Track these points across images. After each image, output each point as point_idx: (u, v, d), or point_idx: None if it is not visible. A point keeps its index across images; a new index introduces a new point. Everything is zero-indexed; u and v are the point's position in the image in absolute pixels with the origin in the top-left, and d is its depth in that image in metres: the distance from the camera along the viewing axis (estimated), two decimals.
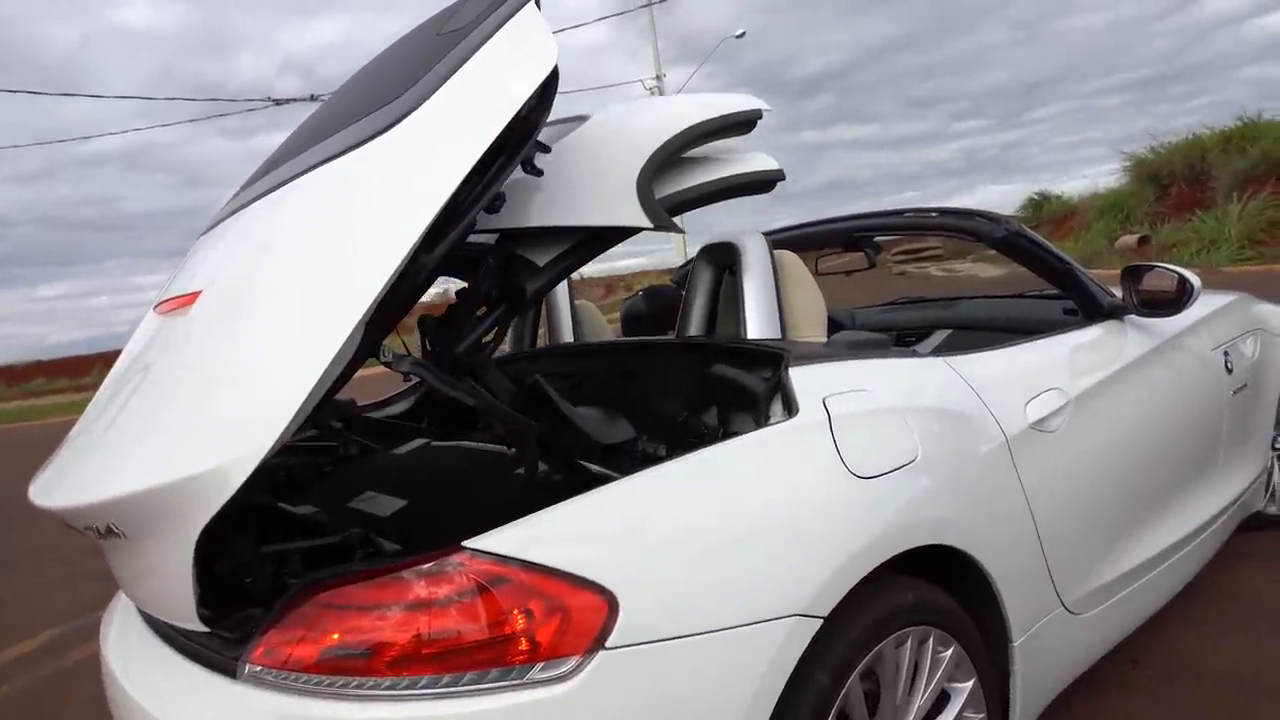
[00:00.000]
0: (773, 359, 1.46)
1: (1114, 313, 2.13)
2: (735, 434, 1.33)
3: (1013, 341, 1.93)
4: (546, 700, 0.98)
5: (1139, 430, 1.97)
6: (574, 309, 2.25)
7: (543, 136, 1.36)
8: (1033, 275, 2.23)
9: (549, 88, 1.26)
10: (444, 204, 1.10)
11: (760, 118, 1.59)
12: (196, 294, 1.28)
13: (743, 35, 22.86)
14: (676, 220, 1.55)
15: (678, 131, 1.44)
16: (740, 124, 1.57)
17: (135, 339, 1.50)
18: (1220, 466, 2.34)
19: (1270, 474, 2.82)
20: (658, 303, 2.40)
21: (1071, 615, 1.71)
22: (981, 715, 1.45)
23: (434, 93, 1.19)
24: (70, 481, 1.23)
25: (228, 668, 1.13)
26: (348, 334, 1.04)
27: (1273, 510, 2.82)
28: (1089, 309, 2.15)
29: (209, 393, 1.14)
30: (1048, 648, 1.63)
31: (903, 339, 2.53)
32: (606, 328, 2.35)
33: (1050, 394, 1.73)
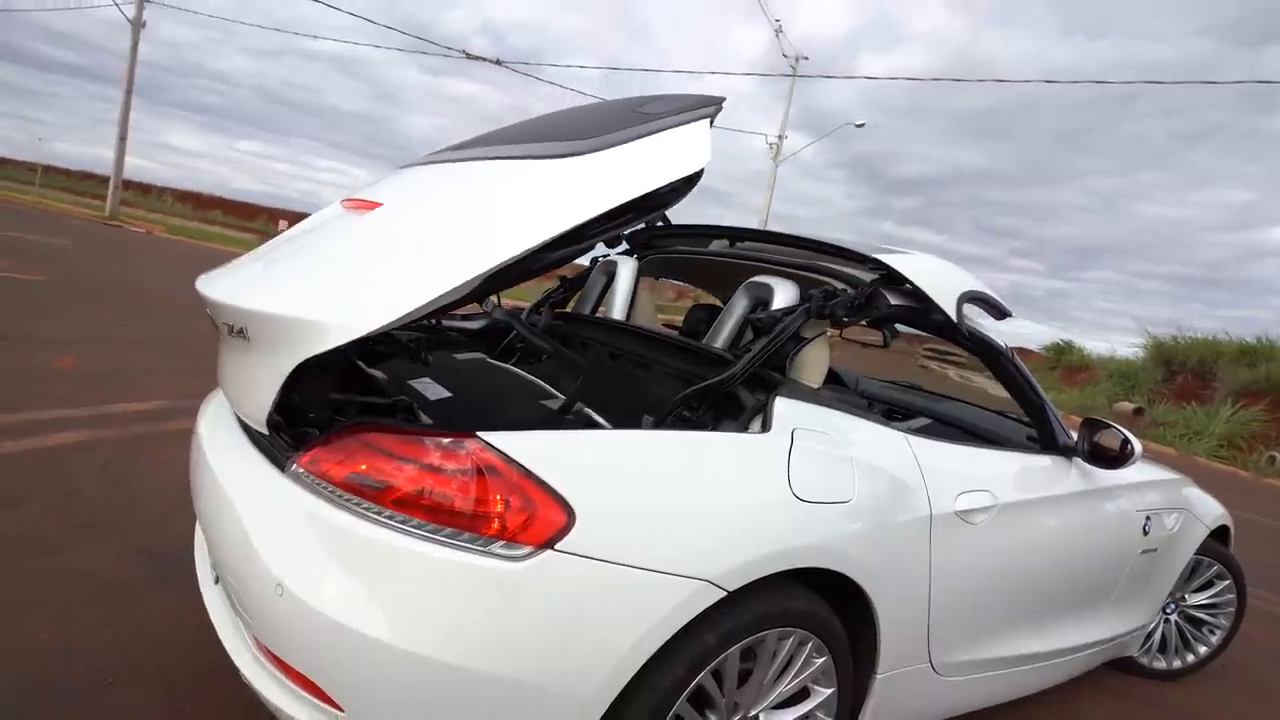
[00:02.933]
0: (767, 385, 1.51)
1: (1065, 451, 2.11)
2: (718, 430, 1.40)
3: (975, 445, 1.95)
4: (496, 569, 1.07)
5: (1048, 550, 1.96)
6: (635, 295, 2.31)
7: None
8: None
9: (691, 181, 1.39)
10: (573, 227, 1.25)
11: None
12: (378, 204, 1.45)
13: (862, 125, 22.43)
14: None
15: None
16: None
17: (320, 214, 1.69)
18: (1107, 608, 2.30)
19: (1156, 631, 2.77)
20: (706, 314, 2.45)
21: (935, 674, 1.72)
22: (832, 718, 1.50)
23: (606, 149, 1.34)
24: (231, 285, 1.38)
25: (280, 463, 1.24)
26: (468, 279, 1.18)
27: (1146, 662, 2.75)
28: (1046, 441, 2.13)
29: (355, 274, 1.28)
30: (905, 691, 1.66)
31: (891, 413, 2.54)
32: (655, 320, 2.40)
33: (982, 494, 1.74)
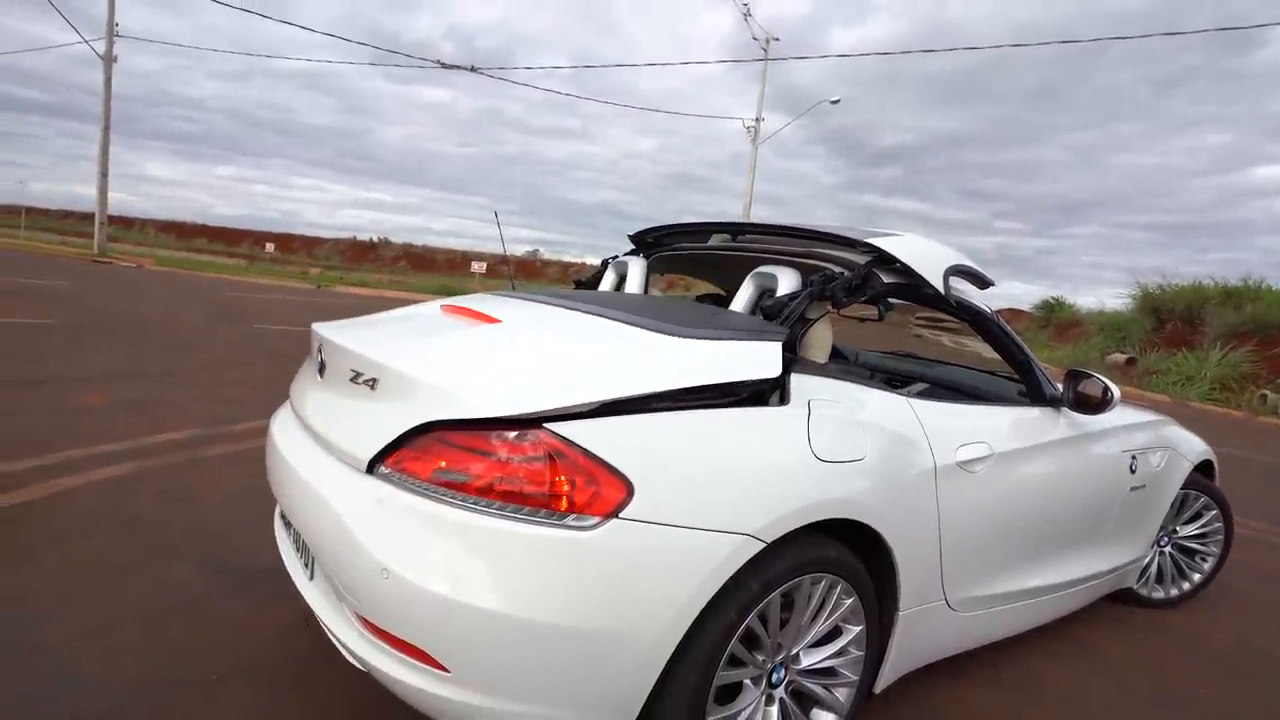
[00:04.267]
0: (787, 364, 1.68)
1: (1053, 402, 2.31)
2: (747, 405, 1.56)
3: (970, 403, 2.14)
4: (569, 539, 1.25)
5: (1042, 492, 2.16)
6: (646, 291, 2.48)
7: None
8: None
9: (762, 385, 1.56)
10: (642, 394, 1.39)
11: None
12: (497, 320, 1.75)
13: (838, 101, 22.53)
14: None
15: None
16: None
17: (421, 307, 2.07)
18: (1103, 542, 2.50)
19: (1151, 564, 2.98)
20: (712, 304, 2.63)
21: (950, 610, 1.92)
22: (861, 654, 1.69)
23: (681, 339, 1.57)
24: (369, 340, 1.66)
25: (363, 468, 1.41)
26: (586, 401, 1.35)
27: (1145, 593, 2.96)
28: (1035, 395, 2.33)
29: (484, 367, 1.49)
30: (925, 626, 1.85)
31: (890, 382, 2.73)
32: None
33: (979, 445, 1.93)
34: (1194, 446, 2.97)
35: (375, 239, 54.34)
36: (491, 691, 1.28)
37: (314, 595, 1.57)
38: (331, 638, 1.49)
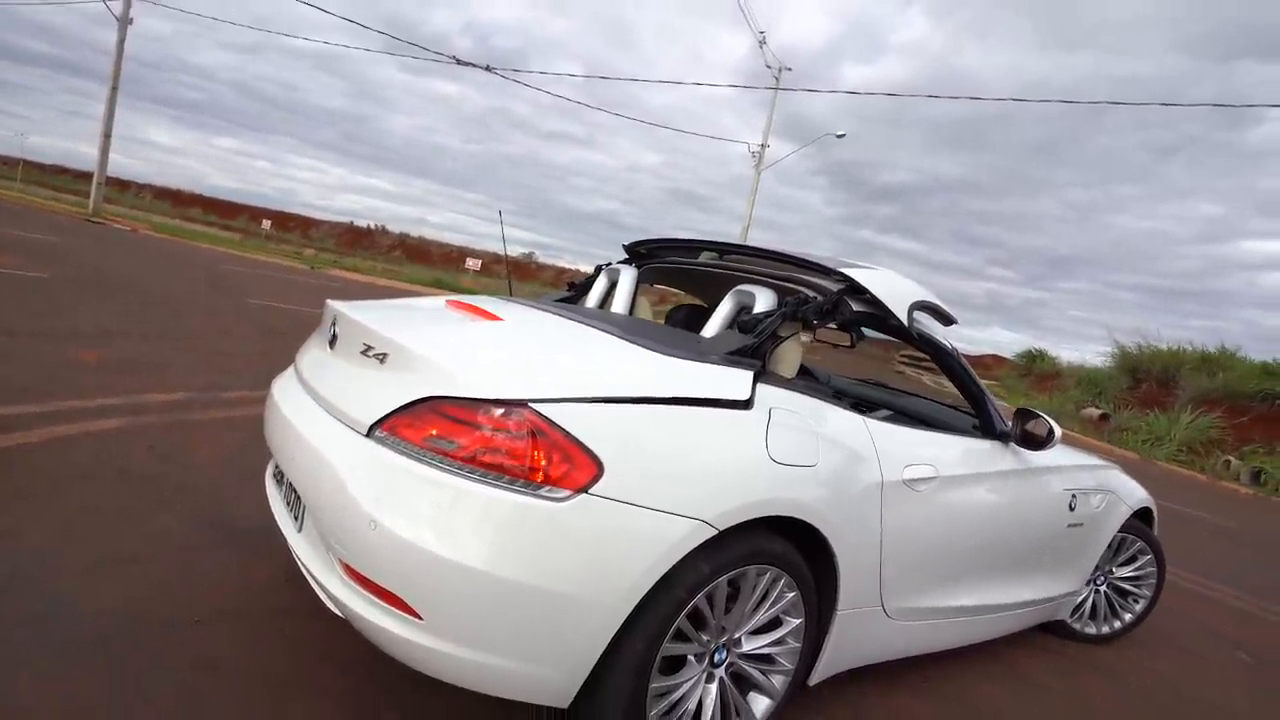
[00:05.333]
0: (753, 377, 1.84)
1: (1002, 436, 2.49)
2: (715, 407, 1.71)
3: (924, 429, 2.32)
4: (543, 508, 1.40)
5: (982, 516, 2.33)
6: (634, 306, 2.65)
7: None
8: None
9: (732, 405, 1.71)
10: (624, 397, 1.56)
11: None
12: (499, 318, 1.93)
13: (843, 136, 22.94)
14: None
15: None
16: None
17: (427, 300, 2.27)
18: (1039, 572, 2.68)
19: (1086, 600, 3.16)
20: (686, 313, 2.79)
21: (887, 616, 2.08)
22: (798, 645, 1.84)
23: (667, 357, 1.73)
24: (381, 319, 1.82)
25: (362, 430, 1.56)
26: (583, 395, 1.52)
27: (1079, 627, 3.14)
28: (986, 428, 2.51)
29: (485, 356, 1.65)
30: (861, 628, 2.01)
31: (857, 406, 2.89)
32: (653, 318, 2.74)
33: (926, 467, 2.11)
34: (1135, 493, 3.17)
35: (372, 226, 54.36)
36: (459, 640, 1.42)
37: (301, 545, 1.71)
38: (314, 584, 1.63)
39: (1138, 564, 3.23)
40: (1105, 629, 3.21)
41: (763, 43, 21.59)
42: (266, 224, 34.16)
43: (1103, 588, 3.21)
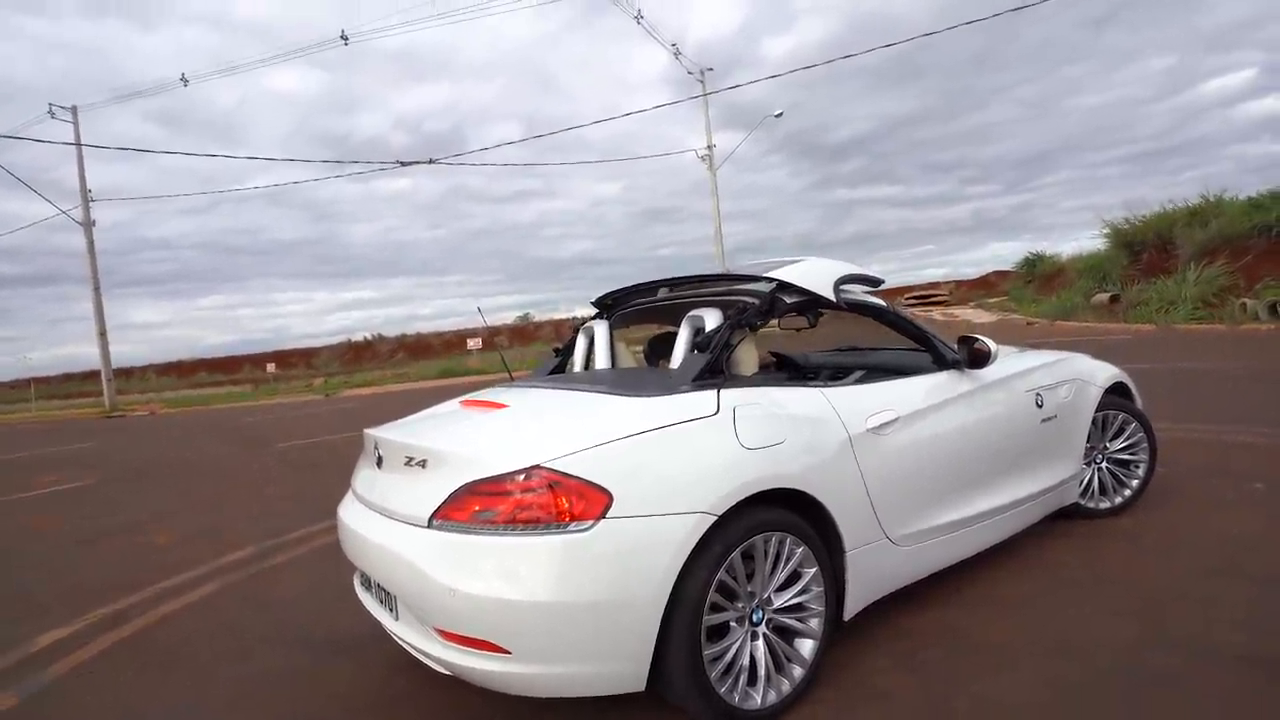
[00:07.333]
0: (715, 383, 2.23)
1: (954, 365, 2.85)
2: (690, 423, 2.09)
3: (887, 379, 2.67)
4: (574, 539, 1.78)
5: (953, 437, 2.66)
6: (614, 354, 3.05)
7: None
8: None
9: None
10: (615, 439, 1.95)
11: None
12: (504, 405, 2.38)
13: (780, 115, 23.43)
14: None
15: None
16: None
17: (446, 405, 2.69)
18: (1029, 468, 3.00)
19: (1091, 479, 3.46)
20: (663, 339, 3.17)
21: (895, 545, 2.42)
22: (821, 589, 2.18)
23: (645, 398, 2.14)
24: (416, 433, 2.26)
25: (423, 524, 1.95)
26: (582, 448, 1.91)
27: (1092, 505, 3.45)
28: (939, 361, 2.87)
29: (503, 439, 2.07)
30: (874, 560, 2.35)
31: (835, 375, 3.25)
32: (629, 358, 3.15)
33: (886, 413, 2.47)
34: (1100, 373, 3.49)
35: (369, 337, 55.59)
36: (543, 661, 1.79)
37: (401, 628, 2.09)
38: (420, 655, 2.01)
39: (1126, 434, 3.53)
40: (1118, 500, 3.50)
41: (677, 54, 22.26)
42: (271, 367, 35.08)
43: (1102, 464, 3.51)
